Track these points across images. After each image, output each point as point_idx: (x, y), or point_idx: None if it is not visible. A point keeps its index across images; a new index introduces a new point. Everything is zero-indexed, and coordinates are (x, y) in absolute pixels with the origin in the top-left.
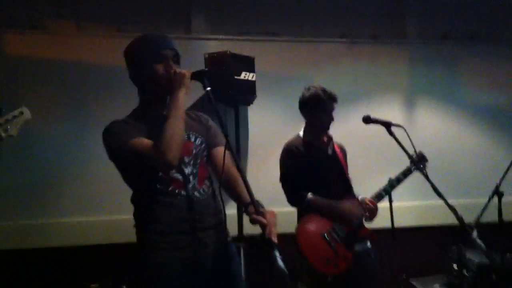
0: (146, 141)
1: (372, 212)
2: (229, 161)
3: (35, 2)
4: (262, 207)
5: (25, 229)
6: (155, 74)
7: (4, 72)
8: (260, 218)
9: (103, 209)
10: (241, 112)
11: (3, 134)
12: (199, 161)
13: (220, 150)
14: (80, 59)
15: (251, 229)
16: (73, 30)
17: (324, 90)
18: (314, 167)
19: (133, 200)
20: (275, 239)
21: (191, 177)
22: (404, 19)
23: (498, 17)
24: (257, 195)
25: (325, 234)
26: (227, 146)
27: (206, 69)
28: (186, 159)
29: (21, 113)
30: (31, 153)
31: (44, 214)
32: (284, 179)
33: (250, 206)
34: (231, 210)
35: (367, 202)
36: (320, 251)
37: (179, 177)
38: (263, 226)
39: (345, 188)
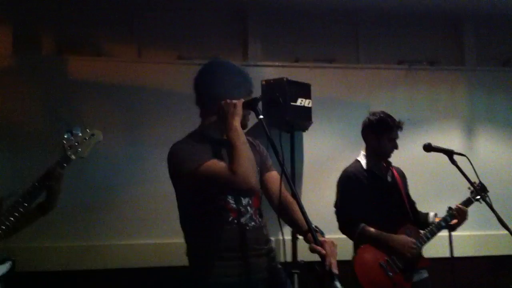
0: (221, 166)
1: (462, 216)
2: (281, 185)
3: (98, 29)
4: (323, 235)
5: (77, 251)
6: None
7: (68, 97)
8: (319, 248)
9: (155, 232)
10: (296, 137)
11: (73, 156)
12: None
13: (273, 175)
14: (140, 84)
15: (304, 255)
16: (134, 56)
17: (391, 117)
18: (373, 196)
19: (186, 224)
20: (335, 271)
21: (248, 208)
22: (463, 45)
23: None
24: (311, 221)
25: (383, 263)
26: (283, 173)
27: (257, 97)
28: None
29: (93, 135)
30: (88, 174)
31: (98, 236)
32: (339, 206)
33: (309, 234)
34: (286, 235)
35: (458, 206)
36: (377, 280)
37: (236, 206)
38: (323, 256)
39: (403, 216)
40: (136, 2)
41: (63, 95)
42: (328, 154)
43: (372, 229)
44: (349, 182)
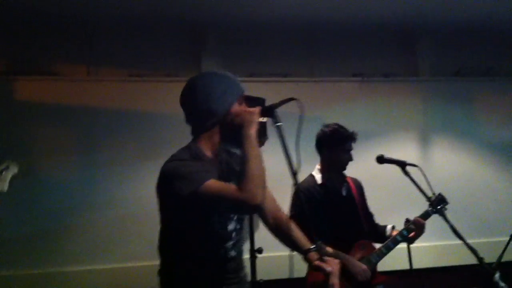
0: (224, 184)
1: (420, 230)
2: (275, 204)
3: (45, 48)
4: (325, 252)
5: (31, 279)
6: (235, 112)
7: (14, 118)
8: (324, 265)
9: (112, 257)
10: None
11: None
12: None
13: (267, 194)
14: (91, 104)
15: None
16: (84, 75)
17: (344, 128)
18: (326, 211)
19: (169, 246)
20: None
21: (234, 234)
22: (416, 56)
23: (510, 51)
24: (268, 237)
25: None
26: (296, 185)
27: (275, 103)
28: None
29: (7, 167)
30: (39, 199)
31: (51, 263)
32: (296, 221)
33: (311, 253)
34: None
35: (416, 219)
36: None
37: (225, 233)
38: (327, 275)
39: (358, 232)
40: (85, 20)
41: (12, 117)
42: (285, 169)
43: (327, 247)
44: (301, 198)
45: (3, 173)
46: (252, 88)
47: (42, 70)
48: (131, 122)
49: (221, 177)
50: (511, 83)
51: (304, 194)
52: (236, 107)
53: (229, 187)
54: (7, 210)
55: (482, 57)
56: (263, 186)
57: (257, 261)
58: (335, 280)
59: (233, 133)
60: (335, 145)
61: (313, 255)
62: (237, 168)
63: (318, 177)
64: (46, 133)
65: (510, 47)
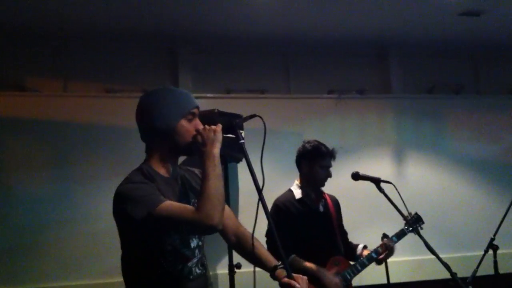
0: (179, 205)
1: (389, 251)
2: (235, 221)
3: (20, 62)
4: (299, 266)
5: None
6: (182, 130)
7: None
8: (293, 282)
9: (87, 272)
10: (231, 169)
11: None
12: None
13: (226, 210)
14: (66, 119)
15: None
16: (60, 90)
17: (324, 145)
18: (303, 226)
19: (129, 272)
20: None
21: (196, 251)
22: (389, 74)
23: (483, 70)
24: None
25: None
26: (262, 201)
27: (237, 120)
28: None
29: None
30: (12, 214)
31: (26, 279)
32: (269, 236)
33: (278, 270)
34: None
35: (384, 242)
36: None
37: (187, 252)
38: None
39: (333, 248)
40: (60, 34)
41: None
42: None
43: (302, 261)
44: (279, 212)
45: None
46: (229, 105)
47: (17, 84)
48: (106, 137)
49: (178, 196)
50: (480, 100)
51: (281, 208)
52: (184, 124)
53: (184, 208)
54: None
55: (454, 75)
56: (222, 206)
57: (236, 276)
58: None
59: (184, 151)
60: (314, 161)
61: (280, 272)
62: (197, 187)
63: (296, 192)
64: (20, 148)
65: (481, 66)
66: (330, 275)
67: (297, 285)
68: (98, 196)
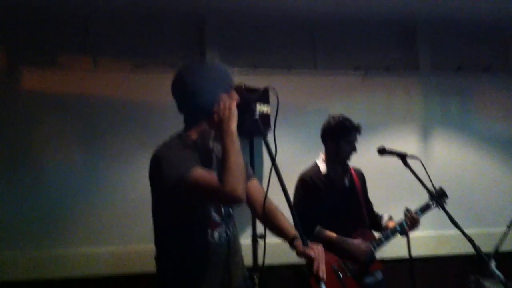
0: (209, 174)
1: (413, 224)
2: (262, 193)
3: (51, 40)
4: (307, 239)
5: (34, 260)
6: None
7: (21, 108)
8: (308, 251)
9: (113, 239)
10: (256, 143)
11: None
12: None
13: (254, 184)
14: (96, 95)
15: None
16: (89, 66)
17: (349, 120)
18: (329, 200)
19: (162, 233)
20: (323, 275)
21: (226, 218)
22: (417, 51)
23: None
24: None
25: (335, 265)
26: (277, 174)
27: (252, 97)
28: None
29: None
30: (44, 184)
31: (54, 245)
32: (296, 210)
33: (296, 240)
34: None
35: (411, 215)
36: (328, 283)
37: (217, 218)
38: (311, 260)
39: (359, 221)
40: (90, 11)
41: (16, 107)
42: (287, 160)
43: (328, 232)
44: (305, 185)
45: None
46: (256, 80)
47: (47, 61)
48: (134, 112)
49: (209, 167)
50: (509, 79)
51: (308, 182)
52: (224, 98)
53: (213, 178)
54: (11, 194)
55: (484, 53)
56: (243, 179)
57: (259, 246)
58: (320, 265)
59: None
60: (339, 136)
61: (299, 242)
62: None
63: (322, 166)
64: (51, 123)
65: (509, 42)
66: (356, 242)
67: (312, 253)
68: (126, 169)
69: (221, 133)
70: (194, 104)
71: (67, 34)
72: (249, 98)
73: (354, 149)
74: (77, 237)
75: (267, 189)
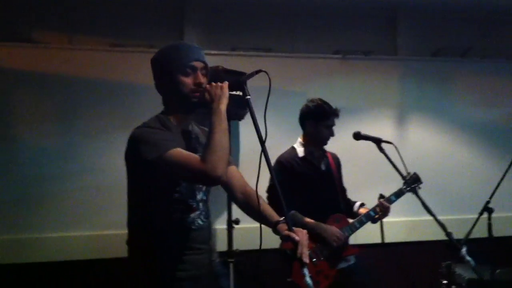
0: (189, 153)
1: (384, 212)
2: (243, 180)
3: (26, 15)
4: (298, 221)
5: (7, 244)
6: (181, 86)
7: None
8: (293, 235)
9: (91, 224)
10: (233, 126)
11: None
12: None
13: (233, 169)
14: (73, 72)
15: (239, 244)
16: (65, 43)
17: (328, 104)
18: (305, 184)
19: (135, 215)
20: (306, 259)
21: (201, 204)
22: (396, 35)
23: (489, 33)
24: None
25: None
26: (266, 157)
27: (244, 75)
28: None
29: None
30: (19, 165)
31: (27, 229)
32: (271, 191)
33: (280, 224)
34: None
35: (381, 202)
36: None
37: (192, 202)
38: (295, 244)
39: (334, 205)
40: None
41: None
42: (266, 142)
43: (301, 217)
44: (282, 168)
45: None
46: (234, 62)
47: (22, 37)
48: (112, 91)
49: (188, 149)
50: (487, 64)
51: (284, 165)
52: (181, 77)
53: (193, 157)
54: None
55: (461, 38)
56: (226, 160)
57: (234, 232)
58: (303, 249)
59: (184, 104)
60: (318, 120)
61: (282, 226)
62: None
63: (299, 150)
64: (26, 100)
65: (488, 28)
66: (329, 228)
67: (296, 237)
68: (103, 150)
69: (209, 112)
70: (159, 83)
71: (43, 9)
72: (240, 79)
73: (332, 133)
74: (50, 222)
75: (258, 173)
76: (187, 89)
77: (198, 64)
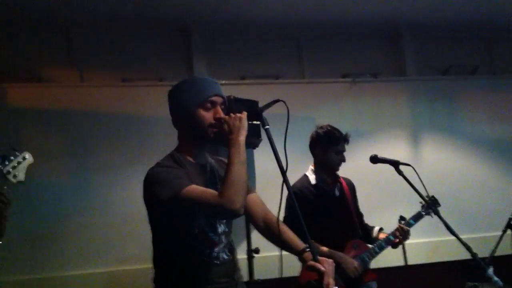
0: (204, 189)
1: (403, 236)
2: (264, 207)
3: (36, 54)
4: (319, 251)
5: (27, 285)
6: (201, 120)
7: (9, 125)
8: (318, 265)
9: (107, 260)
10: (247, 155)
11: (13, 180)
12: None
13: (254, 197)
14: (84, 109)
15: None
16: (76, 80)
17: (337, 130)
18: (320, 211)
19: (159, 253)
20: None
21: (223, 237)
22: (403, 56)
23: (497, 50)
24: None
25: None
26: (287, 186)
27: (261, 107)
28: None
29: (24, 158)
30: (33, 204)
31: (47, 268)
32: (287, 223)
33: (306, 253)
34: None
35: (400, 226)
36: None
37: (214, 237)
38: (321, 275)
39: (351, 231)
40: (74, 25)
41: (2, 125)
42: (277, 169)
43: (316, 245)
44: (295, 198)
45: (21, 164)
46: (244, 91)
47: (32, 76)
48: (123, 126)
49: (206, 182)
50: (496, 81)
51: (297, 194)
52: (201, 112)
53: (209, 192)
54: None
55: (469, 56)
56: (244, 192)
57: (254, 261)
58: (329, 280)
59: (203, 138)
60: (328, 146)
61: (308, 255)
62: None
63: (311, 177)
64: (38, 139)
65: (495, 46)
66: (347, 258)
67: (322, 268)
68: (116, 184)
69: (228, 144)
70: (176, 117)
71: (52, 47)
72: (258, 109)
73: (342, 159)
74: (70, 259)
75: (280, 203)
76: (207, 124)
77: (217, 99)
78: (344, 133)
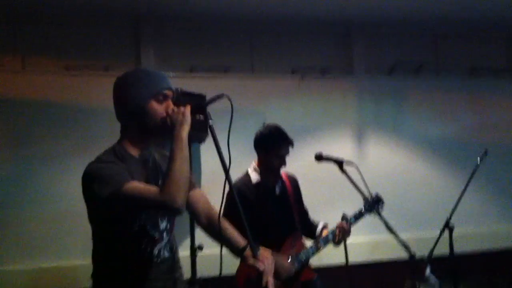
0: (145, 186)
1: (344, 233)
2: (208, 203)
3: None
4: (258, 249)
5: None
6: (153, 113)
7: None
8: (258, 264)
9: (47, 255)
10: (194, 149)
11: None
12: None
13: (198, 193)
14: (26, 97)
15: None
16: (18, 67)
17: (282, 133)
18: (258, 210)
19: (98, 250)
20: None
21: (164, 234)
22: (352, 54)
23: (444, 49)
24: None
25: None
26: (229, 183)
27: (205, 100)
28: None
29: None
30: None
31: None
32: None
33: (246, 251)
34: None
35: (340, 224)
36: None
37: (155, 233)
38: (260, 274)
39: (290, 229)
40: (19, 11)
41: None
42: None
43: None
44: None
45: None
46: (192, 84)
47: None
48: (67, 116)
49: (147, 177)
50: (439, 81)
51: (236, 194)
52: (154, 105)
53: (150, 189)
54: None
55: (415, 55)
56: (185, 189)
57: (198, 258)
58: (269, 278)
59: (154, 132)
60: (269, 149)
61: (249, 253)
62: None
63: (253, 175)
64: None
65: (441, 45)
66: (280, 260)
67: (261, 267)
68: (59, 176)
69: (170, 138)
70: (123, 110)
71: None
72: (202, 103)
73: (282, 163)
74: (6, 253)
75: (222, 200)
76: (159, 117)
77: (169, 93)
78: (288, 137)
